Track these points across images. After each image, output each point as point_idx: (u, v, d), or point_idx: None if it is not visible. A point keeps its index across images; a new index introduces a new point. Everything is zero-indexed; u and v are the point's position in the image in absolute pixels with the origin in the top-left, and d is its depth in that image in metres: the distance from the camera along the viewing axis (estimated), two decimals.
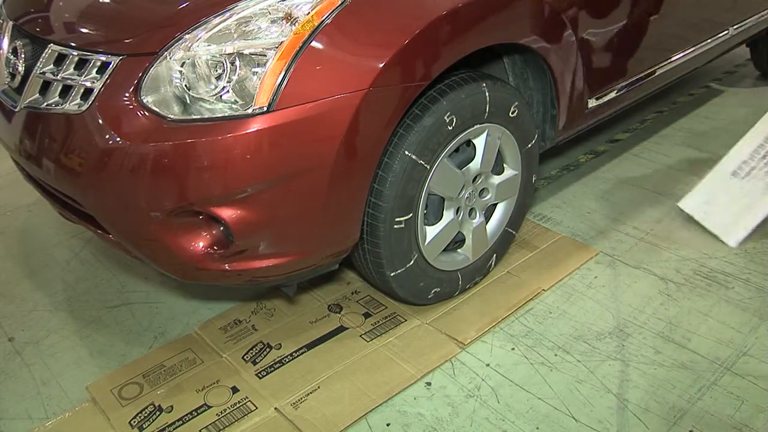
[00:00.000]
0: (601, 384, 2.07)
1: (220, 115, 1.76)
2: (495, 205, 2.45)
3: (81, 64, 1.93)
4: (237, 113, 1.75)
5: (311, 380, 2.10)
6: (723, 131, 3.63)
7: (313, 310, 2.40)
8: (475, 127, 2.17)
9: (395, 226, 2.07)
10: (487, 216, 2.43)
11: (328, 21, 1.80)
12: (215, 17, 1.83)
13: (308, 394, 2.05)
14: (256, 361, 2.19)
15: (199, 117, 1.77)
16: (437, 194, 2.18)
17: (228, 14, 1.83)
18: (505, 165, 2.39)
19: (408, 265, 2.18)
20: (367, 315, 2.35)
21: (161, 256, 1.95)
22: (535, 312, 2.37)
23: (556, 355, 2.19)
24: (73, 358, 2.28)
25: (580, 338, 2.25)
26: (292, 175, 1.79)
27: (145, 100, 1.80)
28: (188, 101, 1.80)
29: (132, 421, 2.02)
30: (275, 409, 2.02)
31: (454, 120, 2.08)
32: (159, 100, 1.81)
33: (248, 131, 1.73)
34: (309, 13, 1.80)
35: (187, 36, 1.81)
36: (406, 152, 2.00)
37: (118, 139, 1.80)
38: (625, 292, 2.45)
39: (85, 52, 1.93)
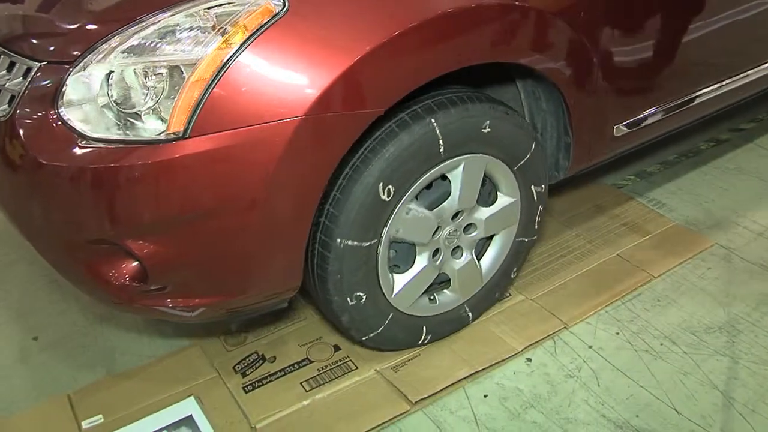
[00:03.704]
0: (707, 379, 2.01)
1: (132, 138, 1.56)
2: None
3: (11, 67, 1.74)
4: (148, 137, 1.55)
5: (413, 347, 2.12)
6: None
7: None
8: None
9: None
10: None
11: (260, 34, 1.55)
12: (137, 24, 1.61)
13: (408, 360, 2.08)
14: None
15: (113, 138, 1.57)
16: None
17: (151, 21, 1.60)
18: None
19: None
20: None
21: (81, 283, 1.80)
22: (642, 298, 2.32)
23: (661, 344, 2.14)
24: None
25: (688, 329, 2.19)
26: (211, 212, 1.59)
27: (62, 113, 1.60)
28: (102, 119, 1.59)
29: (236, 367, 2.08)
30: (375, 370, 2.05)
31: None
32: (75, 114, 1.60)
33: (158, 159, 1.52)
34: (237, 23, 1.56)
35: (104, 45, 1.60)
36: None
37: (29, 152, 1.61)
38: (739, 287, 2.37)
39: (13, 55, 1.74)
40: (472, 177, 1.94)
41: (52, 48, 1.71)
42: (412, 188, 1.83)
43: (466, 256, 2.08)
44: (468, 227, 2.05)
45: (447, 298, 2.11)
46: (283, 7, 1.57)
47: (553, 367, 2.07)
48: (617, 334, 2.18)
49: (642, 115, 2.31)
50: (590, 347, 2.13)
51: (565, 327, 2.19)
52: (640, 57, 2.19)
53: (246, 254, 1.69)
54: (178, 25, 1.58)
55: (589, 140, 2.20)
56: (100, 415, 1.96)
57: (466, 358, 2.07)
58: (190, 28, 1.57)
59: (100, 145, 1.57)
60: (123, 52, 1.58)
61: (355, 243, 1.80)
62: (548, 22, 1.89)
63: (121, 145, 1.56)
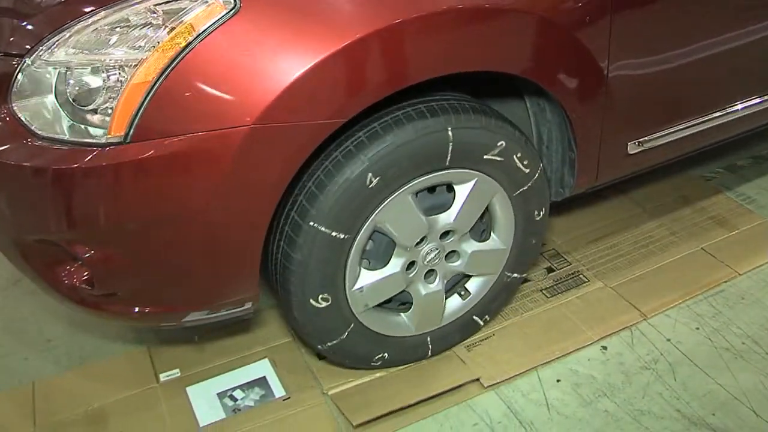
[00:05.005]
0: None
1: (76, 140, 1.47)
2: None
3: None
4: (91, 140, 1.46)
5: (487, 328, 2.11)
6: None
7: None
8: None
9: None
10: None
11: (208, 33, 1.43)
12: (87, 18, 1.50)
13: (482, 341, 2.08)
14: None
15: (58, 137, 1.49)
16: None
17: (101, 16, 1.50)
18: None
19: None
20: (549, 270, 2.33)
21: (37, 281, 1.71)
22: (726, 294, 2.26)
23: (743, 343, 2.08)
24: None
25: None
26: (153, 221, 1.51)
27: (13, 108, 1.52)
28: (49, 117, 1.51)
29: None
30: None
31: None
32: (24, 110, 1.52)
33: (98, 164, 1.44)
34: (184, 22, 1.44)
35: (53, 39, 1.50)
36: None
37: None
38: None
39: None
40: (403, 215, 1.74)
41: (5, 39, 1.60)
42: (347, 281, 1.75)
43: (466, 253, 1.91)
44: (444, 236, 1.86)
45: (478, 284, 2.00)
46: (234, 6, 1.45)
47: (629, 357, 2.04)
48: (697, 329, 2.13)
49: (661, 132, 2.10)
50: (668, 340, 2.09)
51: (643, 318, 2.15)
52: (655, 68, 1.95)
53: (192, 266, 1.61)
54: (126, 21, 1.49)
55: (597, 156, 2.00)
56: (177, 369, 2.03)
57: (540, 344, 2.06)
58: (137, 26, 1.47)
59: (47, 143, 1.49)
60: (72, 48, 1.49)
61: (334, 342, 1.84)
62: (540, 26, 1.69)
63: (65, 146, 1.48)
